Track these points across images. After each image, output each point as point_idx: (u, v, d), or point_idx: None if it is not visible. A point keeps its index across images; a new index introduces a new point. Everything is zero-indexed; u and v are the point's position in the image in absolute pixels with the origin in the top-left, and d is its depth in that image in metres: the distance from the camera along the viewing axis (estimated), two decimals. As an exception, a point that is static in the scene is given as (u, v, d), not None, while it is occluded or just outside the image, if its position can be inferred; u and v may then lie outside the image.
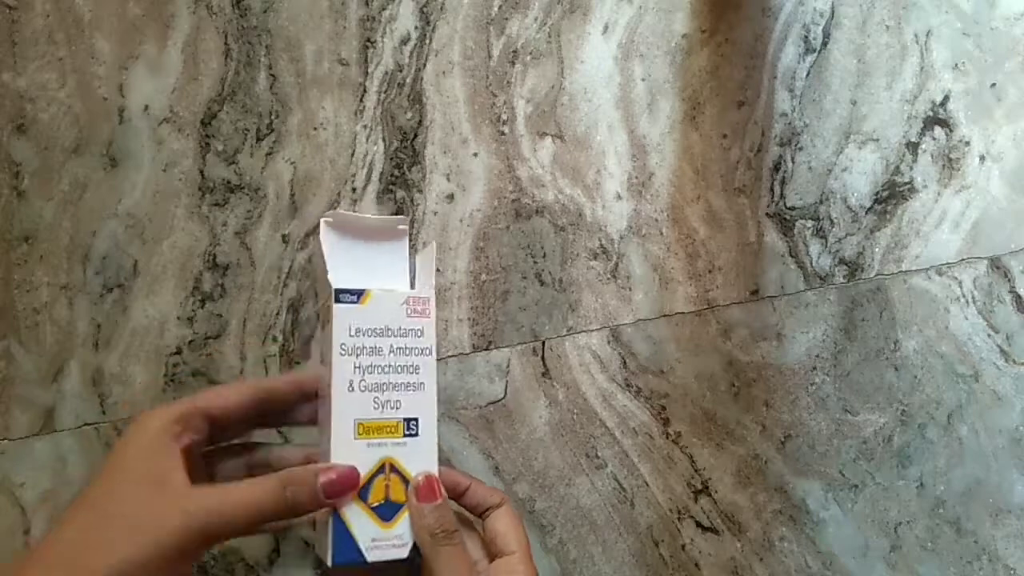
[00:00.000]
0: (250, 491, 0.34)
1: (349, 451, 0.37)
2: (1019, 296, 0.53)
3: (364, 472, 0.37)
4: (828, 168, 0.53)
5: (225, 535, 0.33)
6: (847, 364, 0.52)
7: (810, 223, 0.53)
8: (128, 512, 0.32)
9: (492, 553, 0.39)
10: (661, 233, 0.52)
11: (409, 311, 0.40)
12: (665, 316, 0.52)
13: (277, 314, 0.51)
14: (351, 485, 0.37)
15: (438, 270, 0.51)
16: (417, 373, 0.40)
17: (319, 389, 0.41)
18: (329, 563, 0.36)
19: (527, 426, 0.51)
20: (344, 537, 0.36)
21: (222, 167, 0.52)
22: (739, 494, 0.51)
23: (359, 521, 0.37)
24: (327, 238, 0.42)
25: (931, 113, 0.54)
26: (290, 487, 0.34)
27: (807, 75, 0.54)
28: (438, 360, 0.50)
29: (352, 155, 0.52)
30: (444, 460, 0.50)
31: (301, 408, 0.41)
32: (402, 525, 0.37)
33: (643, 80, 0.53)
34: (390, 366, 0.39)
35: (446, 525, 0.37)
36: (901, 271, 0.53)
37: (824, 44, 0.54)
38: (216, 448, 0.40)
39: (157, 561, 0.31)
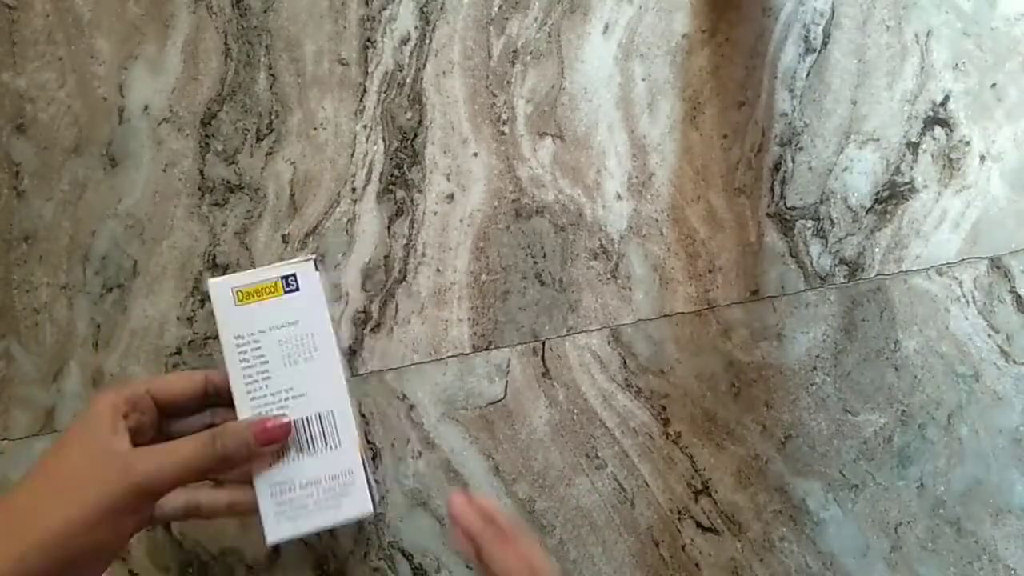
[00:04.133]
0: (184, 445, 0.37)
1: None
2: (1019, 296, 0.53)
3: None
4: (828, 168, 0.53)
5: (164, 488, 0.36)
6: (847, 364, 0.52)
7: (810, 223, 0.53)
8: (71, 474, 0.34)
9: None
10: (661, 233, 0.52)
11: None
12: (665, 316, 0.52)
13: (277, 314, 0.51)
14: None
15: (438, 270, 0.51)
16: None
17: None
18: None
19: (527, 426, 0.51)
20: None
21: (222, 167, 0.52)
22: (739, 494, 0.51)
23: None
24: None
25: (931, 113, 0.54)
26: (220, 439, 0.37)
27: (807, 75, 0.54)
28: (438, 360, 0.51)
29: (352, 155, 0.52)
30: (446, 461, 0.50)
31: None
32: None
33: (643, 80, 0.53)
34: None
35: None
36: (901, 271, 0.52)
37: (824, 44, 0.54)
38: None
39: (97, 517, 0.33)
